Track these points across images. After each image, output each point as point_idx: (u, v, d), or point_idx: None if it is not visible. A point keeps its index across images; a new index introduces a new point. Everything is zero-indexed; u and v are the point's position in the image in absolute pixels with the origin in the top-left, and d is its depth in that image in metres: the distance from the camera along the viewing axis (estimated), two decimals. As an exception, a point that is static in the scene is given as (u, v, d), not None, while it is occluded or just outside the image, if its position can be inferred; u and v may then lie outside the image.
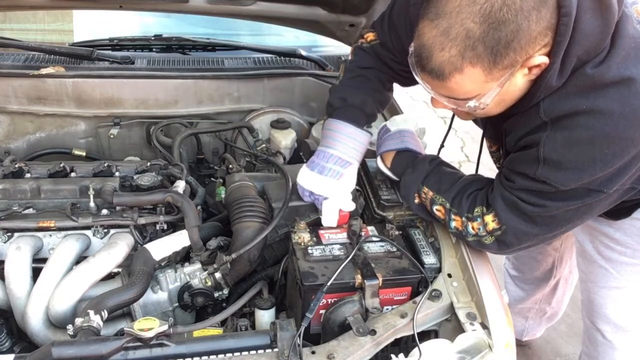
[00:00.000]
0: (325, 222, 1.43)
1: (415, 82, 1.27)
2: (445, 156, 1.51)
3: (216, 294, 1.40)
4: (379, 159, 1.53)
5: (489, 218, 1.25)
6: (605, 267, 1.63)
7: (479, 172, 1.50)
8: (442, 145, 1.71)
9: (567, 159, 1.11)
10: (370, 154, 1.69)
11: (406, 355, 1.12)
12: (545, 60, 1.05)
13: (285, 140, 1.97)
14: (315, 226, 1.42)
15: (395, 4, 1.45)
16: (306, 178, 1.43)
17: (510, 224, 1.22)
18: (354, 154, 1.44)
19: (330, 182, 1.41)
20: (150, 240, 1.41)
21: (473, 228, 1.27)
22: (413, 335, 1.16)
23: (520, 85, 1.11)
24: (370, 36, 1.54)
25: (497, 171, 1.39)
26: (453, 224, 1.31)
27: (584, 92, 1.10)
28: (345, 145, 1.43)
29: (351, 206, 1.43)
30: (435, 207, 1.34)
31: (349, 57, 1.60)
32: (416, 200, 1.39)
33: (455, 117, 1.39)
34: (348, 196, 1.43)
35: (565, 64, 1.07)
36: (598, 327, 1.77)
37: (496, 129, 1.38)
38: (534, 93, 1.13)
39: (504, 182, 1.24)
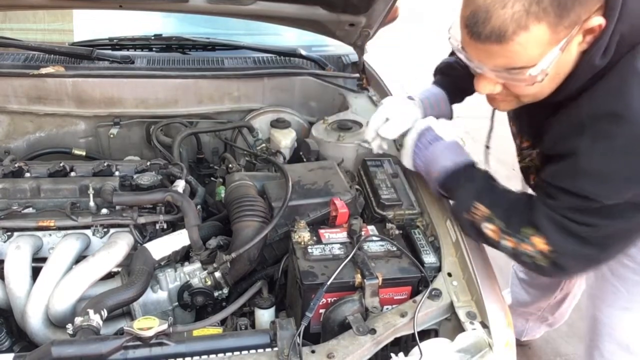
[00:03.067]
0: (366, 130, 1.59)
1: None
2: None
3: (216, 293, 1.40)
4: (409, 160, 1.48)
5: (538, 240, 1.17)
6: (616, 285, 1.55)
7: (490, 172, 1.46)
8: (487, 147, 1.66)
9: (608, 169, 1.06)
10: (369, 153, 1.70)
11: (406, 355, 1.12)
12: (601, 21, 1.00)
13: (285, 139, 1.96)
14: (315, 225, 1.42)
15: None
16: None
17: (561, 246, 1.15)
18: (421, 95, 1.57)
19: (393, 97, 1.60)
20: (150, 239, 1.41)
21: (526, 249, 1.19)
22: (413, 335, 1.16)
23: (573, 55, 1.06)
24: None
25: (518, 169, 1.44)
26: (506, 244, 1.23)
27: (626, 86, 1.03)
28: (418, 92, 1.59)
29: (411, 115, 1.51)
30: (487, 226, 1.25)
31: None
32: (465, 216, 1.30)
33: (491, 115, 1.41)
34: (401, 117, 1.51)
35: (610, 41, 1.03)
36: (600, 347, 1.68)
37: (533, 122, 1.30)
38: (579, 74, 1.08)
39: (546, 201, 1.17)
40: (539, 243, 1.17)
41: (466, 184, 1.32)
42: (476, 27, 1.01)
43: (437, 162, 1.38)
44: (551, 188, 1.15)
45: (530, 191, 1.72)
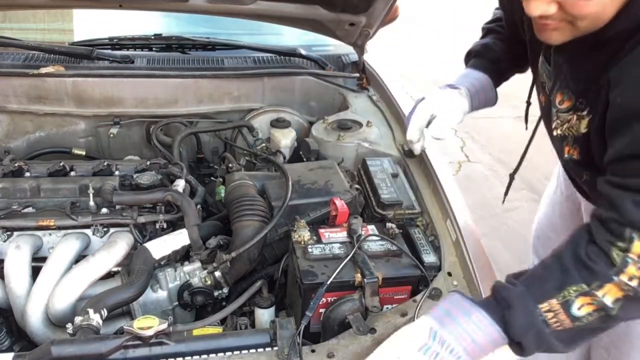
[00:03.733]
0: (407, 132, 1.45)
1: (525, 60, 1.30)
2: (445, 157, 1.49)
3: (216, 293, 1.40)
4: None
5: (637, 247, 0.91)
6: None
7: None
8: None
9: None
10: (369, 153, 1.70)
11: None
12: None
13: (285, 139, 1.96)
14: (316, 225, 1.42)
15: None
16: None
17: None
18: (464, 83, 1.43)
19: (434, 89, 1.40)
20: (150, 239, 1.41)
21: (632, 277, 0.91)
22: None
23: None
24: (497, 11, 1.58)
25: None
26: (611, 298, 0.93)
27: None
28: (458, 79, 1.45)
29: (450, 122, 1.40)
30: (575, 307, 0.95)
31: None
32: (549, 330, 0.97)
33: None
34: (448, 109, 1.38)
35: None
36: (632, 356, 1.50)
37: (580, 71, 1.10)
38: None
39: (629, 182, 0.93)
40: (639, 247, 0.91)
41: (512, 310, 0.98)
42: None
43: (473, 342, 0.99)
44: (634, 161, 0.92)
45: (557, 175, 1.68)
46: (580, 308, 0.94)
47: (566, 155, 1.21)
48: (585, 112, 1.09)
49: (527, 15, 1.02)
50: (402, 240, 1.38)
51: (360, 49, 2.06)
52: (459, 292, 1.07)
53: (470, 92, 1.44)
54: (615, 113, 0.97)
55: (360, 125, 1.92)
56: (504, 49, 1.50)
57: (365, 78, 2.17)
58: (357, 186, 1.61)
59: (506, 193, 1.53)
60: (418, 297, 1.23)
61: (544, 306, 0.96)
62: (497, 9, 1.59)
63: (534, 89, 1.38)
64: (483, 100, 1.46)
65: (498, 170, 4.10)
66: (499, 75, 1.51)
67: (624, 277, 0.92)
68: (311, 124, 2.06)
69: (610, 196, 0.96)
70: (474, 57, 1.54)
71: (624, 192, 0.93)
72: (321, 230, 1.39)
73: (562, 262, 0.98)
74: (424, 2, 7.01)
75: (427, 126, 1.48)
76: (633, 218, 0.91)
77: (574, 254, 0.98)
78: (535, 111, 1.39)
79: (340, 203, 1.43)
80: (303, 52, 2.23)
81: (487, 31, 1.58)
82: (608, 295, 0.93)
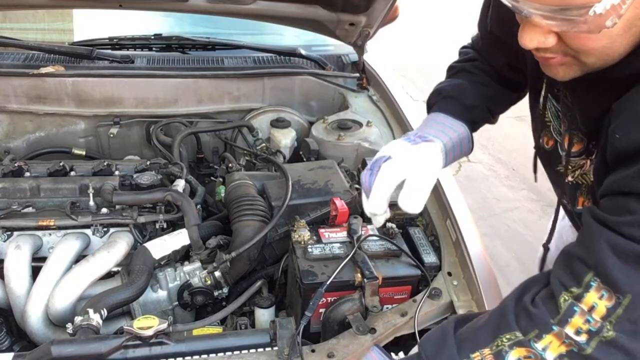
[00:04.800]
0: (368, 202, 1.07)
1: (524, 87, 1.13)
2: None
3: (216, 293, 1.40)
4: None
5: (591, 297, 0.78)
6: None
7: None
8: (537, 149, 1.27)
9: None
10: (368, 153, 1.70)
11: (406, 354, 1.12)
12: None
13: (285, 139, 1.96)
14: (315, 224, 1.42)
15: None
16: (382, 149, 1.11)
17: (638, 287, 0.77)
18: (440, 135, 1.12)
19: (403, 143, 1.08)
20: (150, 239, 1.41)
21: (579, 331, 0.79)
22: (413, 334, 1.16)
23: None
24: (474, 35, 1.33)
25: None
26: (553, 354, 0.82)
27: None
28: (430, 127, 1.14)
29: (421, 196, 1.04)
30: (511, 356, 0.83)
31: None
32: None
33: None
34: (422, 174, 1.04)
35: None
36: None
37: (592, 111, 0.94)
38: None
39: (608, 219, 0.79)
40: (594, 301, 0.78)
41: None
42: None
43: None
44: (625, 199, 0.79)
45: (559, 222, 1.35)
46: (515, 357, 0.82)
47: (579, 207, 1.06)
48: (594, 156, 0.96)
49: None
50: (402, 240, 1.38)
51: (360, 49, 2.06)
52: (378, 348, 1.06)
53: (446, 148, 1.12)
54: (614, 147, 0.84)
55: (360, 125, 1.92)
56: (479, 93, 1.24)
57: (365, 78, 2.17)
58: (357, 186, 1.61)
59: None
60: (418, 297, 1.23)
61: (475, 355, 0.85)
62: (465, 47, 1.36)
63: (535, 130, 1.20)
64: (458, 154, 1.17)
65: (498, 170, 4.10)
66: (472, 124, 1.21)
67: (568, 329, 0.79)
68: (311, 123, 2.06)
69: (588, 229, 0.83)
70: (444, 99, 1.23)
71: (602, 228, 0.80)
72: (321, 230, 1.39)
73: (502, 307, 0.88)
74: (424, 1, 7.01)
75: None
76: (601, 261, 0.78)
77: (517, 297, 0.87)
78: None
79: (340, 203, 1.43)
80: (303, 52, 2.23)
81: (457, 71, 1.31)
82: (549, 350, 0.80)
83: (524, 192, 3.73)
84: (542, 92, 1.09)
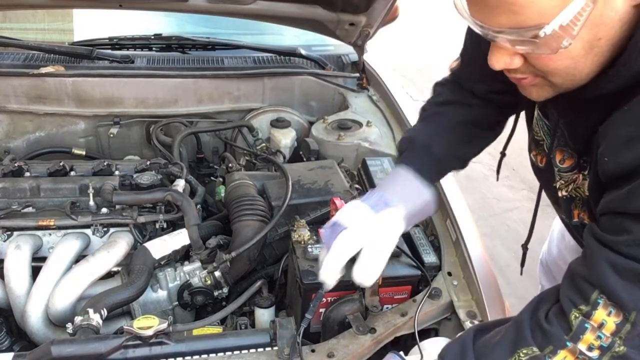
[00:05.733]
0: (320, 271, 1.04)
1: (513, 107, 1.11)
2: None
3: (216, 293, 1.40)
4: None
5: (600, 314, 0.80)
6: None
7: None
8: (502, 154, 1.36)
9: None
10: (368, 153, 1.69)
11: (406, 354, 1.12)
12: None
13: (285, 139, 1.96)
14: (315, 224, 1.42)
15: None
16: (339, 213, 1.07)
17: None
18: (405, 200, 1.07)
19: (364, 211, 1.04)
20: (150, 239, 1.41)
21: (591, 347, 0.81)
22: (413, 334, 1.16)
23: (620, 10, 0.74)
24: (454, 63, 1.25)
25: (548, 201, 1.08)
26: None
27: None
28: (396, 189, 1.09)
29: (377, 267, 1.03)
30: None
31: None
32: None
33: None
34: (380, 246, 1.02)
35: None
36: None
37: (580, 128, 0.95)
38: (636, 43, 0.76)
39: (606, 239, 0.80)
40: (603, 318, 0.80)
41: None
42: None
43: None
44: (621, 219, 0.79)
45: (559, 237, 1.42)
46: None
47: (575, 220, 1.06)
48: (586, 172, 0.97)
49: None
50: (402, 240, 1.38)
51: (360, 49, 2.06)
52: (397, 354, 1.05)
53: (410, 214, 1.07)
54: (604, 170, 0.85)
55: (360, 125, 1.92)
56: (452, 140, 1.19)
57: (365, 78, 2.18)
58: (357, 186, 1.61)
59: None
60: (418, 297, 1.23)
61: None
62: (440, 84, 1.28)
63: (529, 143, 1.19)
64: (420, 219, 1.13)
65: (498, 170, 4.10)
66: (439, 175, 1.22)
67: (581, 345, 0.81)
68: (311, 123, 2.06)
69: (589, 248, 0.84)
70: (415, 151, 1.17)
71: (602, 248, 0.81)
72: (321, 230, 1.39)
73: (518, 322, 0.89)
74: (424, 1, 7.01)
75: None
76: (604, 280, 0.79)
77: (532, 313, 0.89)
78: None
79: (340, 203, 1.42)
80: (303, 52, 2.23)
81: (431, 114, 1.25)
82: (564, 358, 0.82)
83: (524, 192, 3.73)
84: (533, 111, 1.10)
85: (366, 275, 1.02)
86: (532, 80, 0.88)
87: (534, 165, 1.17)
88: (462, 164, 1.25)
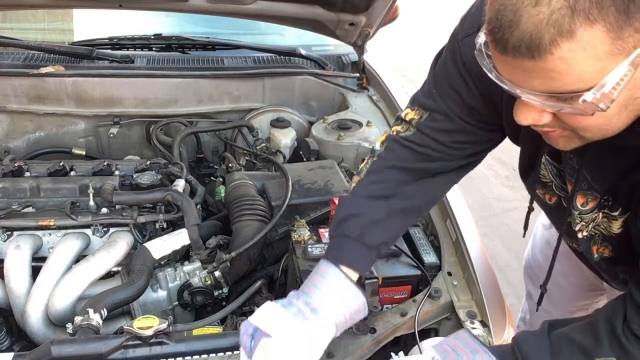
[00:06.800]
0: None
1: (472, 158, 1.07)
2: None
3: (216, 293, 1.40)
4: None
5: None
6: None
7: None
8: (530, 208, 1.23)
9: None
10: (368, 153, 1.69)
11: (406, 354, 1.12)
12: None
13: (285, 139, 1.97)
14: (315, 224, 1.42)
15: (439, 60, 1.10)
16: (258, 313, 0.96)
17: None
18: (336, 310, 0.98)
19: (289, 320, 0.94)
20: (150, 238, 1.41)
21: None
22: (413, 334, 1.16)
23: None
24: (410, 114, 1.11)
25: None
26: None
27: None
28: (325, 294, 0.99)
29: None
30: None
31: (377, 151, 1.14)
32: None
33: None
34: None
35: None
36: None
37: (606, 170, 0.94)
38: None
39: None
40: None
41: None
42: (501, 33, 0.71)
43: None
44: None
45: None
46: None
47: (595, 256, 1.06)
48: (617, 213, 0.96)
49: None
50: (402, 240, 1.38)
51: (360, 49, 2.06)
52: (468, 331, 1.04)
53: (338, 326, 0.99)
54: None
55: (360, 125, 1.92)
56: (392, 218, 1.09)
57: (365, 78, 2.17)
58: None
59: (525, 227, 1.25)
60: (418, 297, 1.23)
61: None
62: (390, 144, 1.12)
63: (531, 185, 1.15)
64: (348, 325, 1.03)
65: (498, 170, 4.10)
66: (370, 263, 1.11)
67: None
68: (311, 123, 2.06)
69: None
70: (349, 241, 1.05)
71: None
72: (321, 230, 1.39)
73: (595, 330, 0.91)
74: (424, 1, 7.01)
75: None
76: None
77: (610, 325, 0.90)
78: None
79: (340, 203, 1.43)
80: (303, 52, 2.23)
81: (378, 177, 1.11)
82: None
83: (524, 192, 3.71)
84: (537, 156, 1.07)
85: None
86: (562, 133, 0.84)
87: (541, 201, 1.14)
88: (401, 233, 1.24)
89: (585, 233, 1.04)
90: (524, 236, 1.25)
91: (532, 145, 1.06)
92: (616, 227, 0.97)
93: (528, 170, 1.13)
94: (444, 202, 1.48)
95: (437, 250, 1.38)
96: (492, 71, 0.78)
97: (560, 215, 1.09)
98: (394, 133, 1.13)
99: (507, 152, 4.50)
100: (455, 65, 1.03)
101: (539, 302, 1.23)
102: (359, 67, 2.16)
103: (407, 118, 1.11)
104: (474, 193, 3.77)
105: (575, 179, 0.99)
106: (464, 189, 1.54)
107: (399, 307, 1.23)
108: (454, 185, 1.21)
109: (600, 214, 0.99)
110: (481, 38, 0.79)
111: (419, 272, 1.28)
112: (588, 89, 0.70)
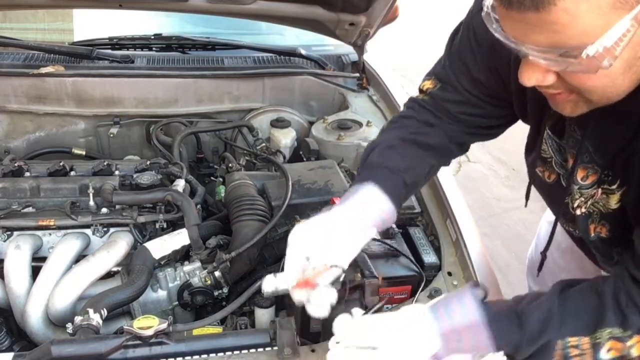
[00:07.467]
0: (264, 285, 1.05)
1: (484, 131, 1.12)
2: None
3: (216, 293, 1.40)
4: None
5: None
6: None
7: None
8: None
9: None
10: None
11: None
12: None
13: (285, 139, 1.97)
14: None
15: (456, 36, 1.15)
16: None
17: None
18: (366, 216, 1.06)
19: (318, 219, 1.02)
20: (150, 238, 1.41)
21: None
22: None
23: None
24: (427, 84, 1.20)
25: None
26: (636, 352, 0.89)
27: None
28: (356, 204, 1.06)
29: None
30: (604, 350, 0.89)
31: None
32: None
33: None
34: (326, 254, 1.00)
35: None
36: None
37: (609, 143, 0.94)
38: None
39: None
40: None
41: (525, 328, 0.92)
42: None
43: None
44: None
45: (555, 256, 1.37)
46: (609, 351, 0.88)
47: (592, 235, 1.05)
48: (615, 186, 0.96)
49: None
50: (402, 240, 1.38)
51: (360, 49, 2.06)
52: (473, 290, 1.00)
53: (374, 221, 1.08)
54: None
55: (360, 125, 1.92)
56: (409, 140, 1.16)
57: (365, 78, 2.17)
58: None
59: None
60: (418, 297, 1.23)
61: (572, 340, 0.89)
62: (410, 104, 1.22)
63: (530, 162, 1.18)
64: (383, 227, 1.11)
65: (498, 170, 4.10)
66: (396, 188, 1.13)
67: None
68: (311, 123, 2.06)
69: None
70: (382, 170, 1.11)
71: None
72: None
73: (601, 299, 0.90)
74: (424, 1, 7.01)
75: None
76: None
77: (614, 295, 0.90)
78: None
79: (340, 203, 1.43)
80: (303, 52, 2.23)
81: (399, 139, 1.17)
82: (635, 348, 0.87)
83: (524, 192, 3.73)
84: (540, 130, 1.08)
85: (321, 307, 1.04)
86: (567, 97, 0.85)
87: (538, 180, 1.16)
88: (416, 189, 1.28)
89: (583, 209, 1.04)
90: (525, 206, 1.27)
91: (537, 117, 1.08)
92: (614, 202, 0.97)
93: (531, 147, 1.16)
94: (444, 202, 1.48)
95: (437, 250, 1.38)
96: (498, 30, 0.79)
97: (557, 195, 1.11)
98: (414, 96, 1.23)
99: (507, 152, 4.51)
100: (467, 38, 1.09)
101: (540, 269, 1.27)
102: (359, 67, 2.16)
103: (424, 88, 1.20)
104: (474, 193, 3.77)
105: (577, 149, 1.00)
106: (464, 189, 1.54)
107: (398, 307, 1.23)
108: (469, 144, 1.26)
109: (600, 190, 0.99)
110: (488, 1, 0.80)
111: (418, 272, 1.28)
112: (589, 43, 0.71)
